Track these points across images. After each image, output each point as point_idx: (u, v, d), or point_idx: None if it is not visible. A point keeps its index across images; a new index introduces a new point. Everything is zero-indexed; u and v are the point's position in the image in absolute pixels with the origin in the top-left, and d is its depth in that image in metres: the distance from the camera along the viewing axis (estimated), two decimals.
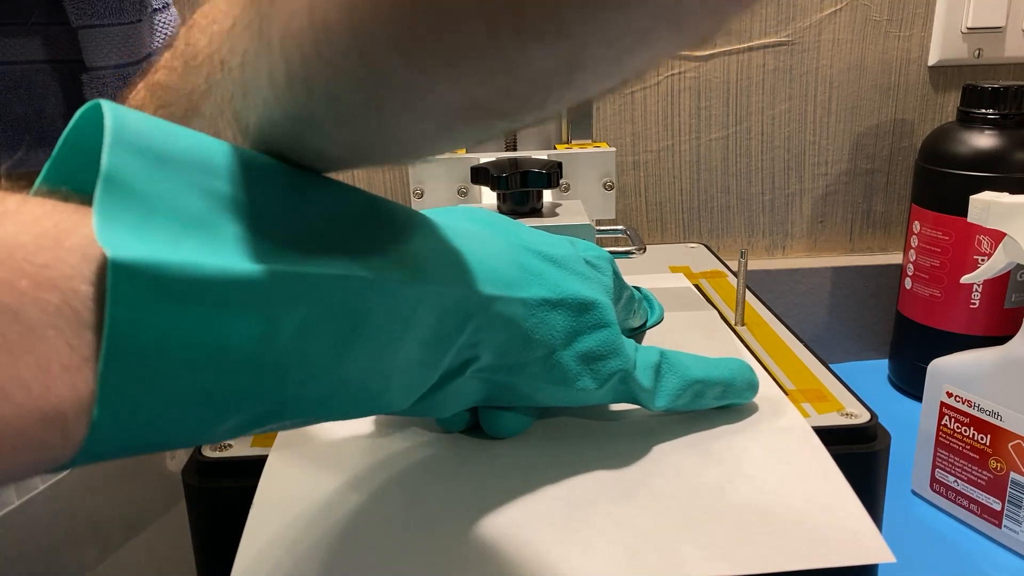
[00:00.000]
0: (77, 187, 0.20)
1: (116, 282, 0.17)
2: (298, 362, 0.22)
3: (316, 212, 0.23)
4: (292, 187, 0.23)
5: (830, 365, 0.43)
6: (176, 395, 0.19)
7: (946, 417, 0.53)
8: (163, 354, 0.18)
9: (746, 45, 0.76)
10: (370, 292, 0.23)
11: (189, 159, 0.21)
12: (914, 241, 0.68)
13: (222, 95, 0.25)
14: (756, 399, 0.37)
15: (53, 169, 0.21)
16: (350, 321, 0.23)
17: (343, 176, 0.26)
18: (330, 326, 0.22)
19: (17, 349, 0.16)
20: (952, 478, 0.53)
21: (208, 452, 0.35)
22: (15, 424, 0.16)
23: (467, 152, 0.56)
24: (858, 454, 0.36)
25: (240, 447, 0.35)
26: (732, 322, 0.50)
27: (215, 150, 0.21)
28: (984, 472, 0.51)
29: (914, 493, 0.57)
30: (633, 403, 0.34)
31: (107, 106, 0.19)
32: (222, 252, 0.19)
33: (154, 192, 0.19)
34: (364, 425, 0.36)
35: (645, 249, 0.53)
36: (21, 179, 0.20)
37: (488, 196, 0.53)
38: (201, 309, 0.19)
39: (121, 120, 0.19)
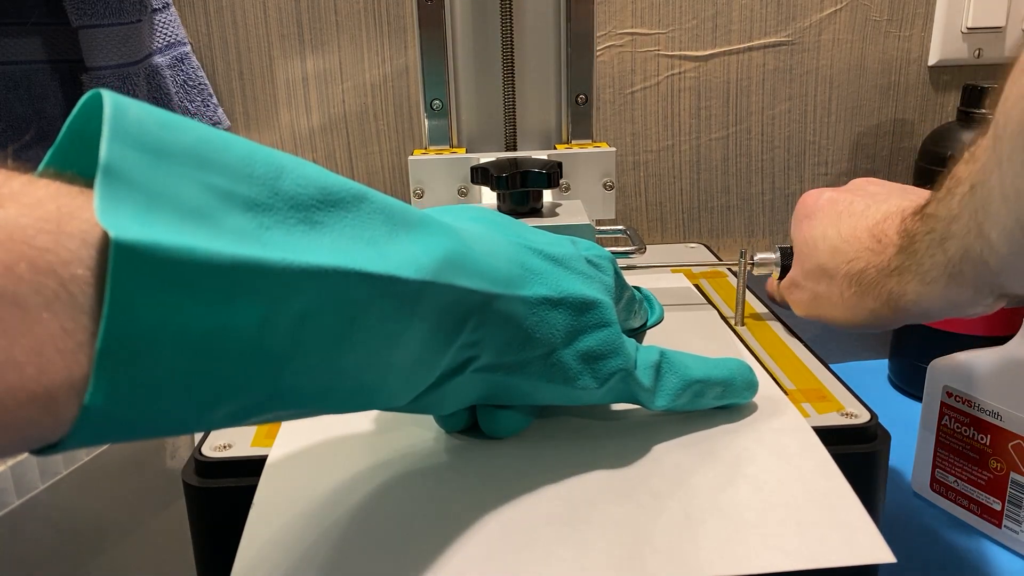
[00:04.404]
0: (81, 171, 0.20)
1: (118, 264, 0.17)
2: (295, 352, 0.22)
3: (317, 206, 0.23)
4: (293, 182, 0.23)
5: (830, 365, 0.43)
6: (171, 380, 0.19)
7: (946, 417, 0.53)
8: (160, 338, 0.18)
9: (746, 45, 0.76)
10: (370, 287, 0.23)
11: (189, 153, 0.21)
12: None
13: (968, 215, 0.31)
14: (756, 399, 0.37)
15: (58, 154, 0.21)
16: (349, 314, 0.23)
17: (346, 172, 0.26)
18: (329, 318, 0.22)
19: (12, 331, 0.16)
20: (952, 478, 0.53)
21: (208, 452, 0.35)
22: (6, 404, 0.17)
23: (467, 152, 0.56)
24: (858, 454, 0.36)
25: (240, 447, 0.35)
26: (732, 322, 0.50)
27: (215, 145, 0.22)
28: (984, 472, 0.51)
29: (914, 493, 0.57)
30: (633, 403, 0.34)
31: (107, 96, 0.19)
32: (223, 240, 0.20)
33: (154, 184, 0.19)
34: (364, 424, 0.36)
35: (645, 249, 0.53)
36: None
37: (488, 196, 0.53)
38: (201, 294, 0.19)
39: (121, 111, 0.19)
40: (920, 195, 0.41)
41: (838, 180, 0.79)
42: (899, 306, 0.38)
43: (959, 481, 0.53)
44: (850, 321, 0.42)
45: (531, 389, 0.32)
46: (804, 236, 0.45)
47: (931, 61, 0.77)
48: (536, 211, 0.50)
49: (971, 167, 0.31)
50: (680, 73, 0.76)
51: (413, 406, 0.29)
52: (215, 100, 0.72)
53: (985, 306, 0.36)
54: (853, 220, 0.42)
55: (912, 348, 0.70)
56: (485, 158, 0.52)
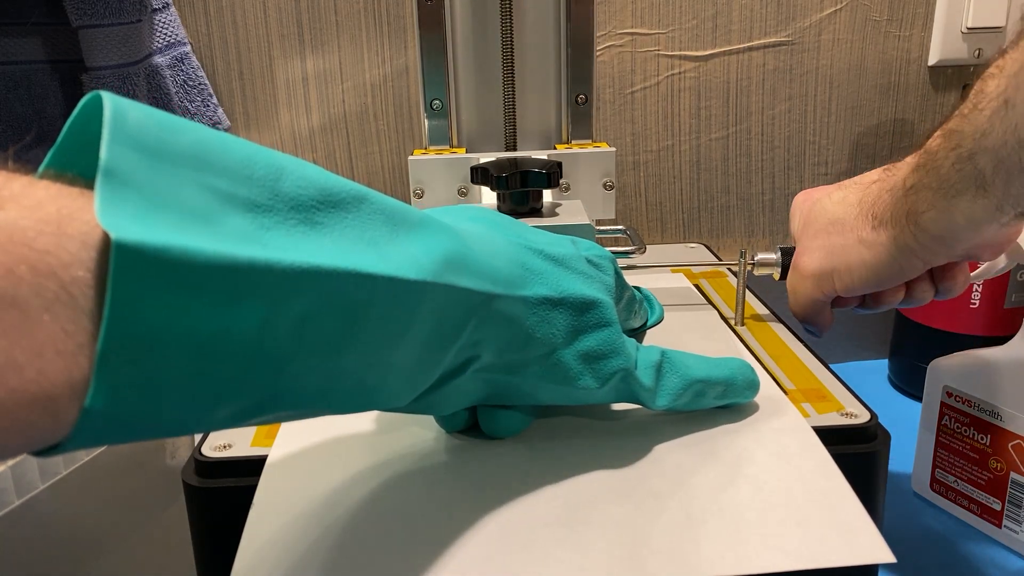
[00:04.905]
0: (82, 172, 0.20)
1: (119, 265, 0.17)
2: (296, 353, 0.22)
3: (317, 207, 0.23)
4: (293, 183, 0.23)
5: (830, 365, 0.43)
6: (171, 381, 0.19)
7: (946, 417, 0.53)
8: (161, 339, 0.18)
9: (746, 45, 0.76)
10: (371, 287, 0.23)
11: (189, 155, 0.21)
12: None
13: (1004, 129, 0.31)
14: (756, 399, 0.37)
15: (58, 155, 0.21)
16: (350, 315, 0.23)
17: (346, 172, 0.26)
18: (329, 319, 0.22)
19: (13, 333, 0.16)
20: (952, 478, 0.53)
21: (208, 452, 0.35)
22: (7, 406, 0.17)
23: (467, 152, 0.56)
24: (858, 454, 0.36)
25: (240, 447, 0.35)
26: (732, 322, 0.50)
27: (214, 147, 0.22)
28: (984, 472, 0.51)
29: (914, 493, 0.57)
30: (634, 402, 0.34)
31: (107, 98, 0.19)
32: (223, 241, 0.20)
33: (154, 185, 0.19)
34: (364, 425, 0.36)
35: (645, 249, 0.53)
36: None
37: (488, 196, 0.53)
38: (202, 296, 0.19)
39: (121, 113, 0.19)
40: None
41: (838, 180, 0.79)
42: (919, 226, 0.37)
43: (959, 481, 0.53)
44: (871, 266, 0.40)
45: (532, 389, 0.32)
46: (807, 215, 0.45)
47: (931, 61, 0.77)
48: (536, 211, 0.50)
49: (1000, 82, 0.32)
50: (680, 73, 0.76)
51: (414, 406, 0.29)
52: (215, 100, 0.72)
53: (1002, 224, 0.36)
54: (857, 179, 0.43)
55: (912, 348, 0.70)
56: (485, 158, 0.52)
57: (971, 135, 0.33)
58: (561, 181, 0.53)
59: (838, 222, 0.42)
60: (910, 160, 0.38)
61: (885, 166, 0.41)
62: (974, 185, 0.34)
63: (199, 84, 0.70)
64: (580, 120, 0.58)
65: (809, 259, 0.44)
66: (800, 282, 0.45)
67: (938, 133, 0.36)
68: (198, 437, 0.36)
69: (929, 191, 0.36)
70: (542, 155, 0.53)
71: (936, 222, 0.36)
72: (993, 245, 0.40)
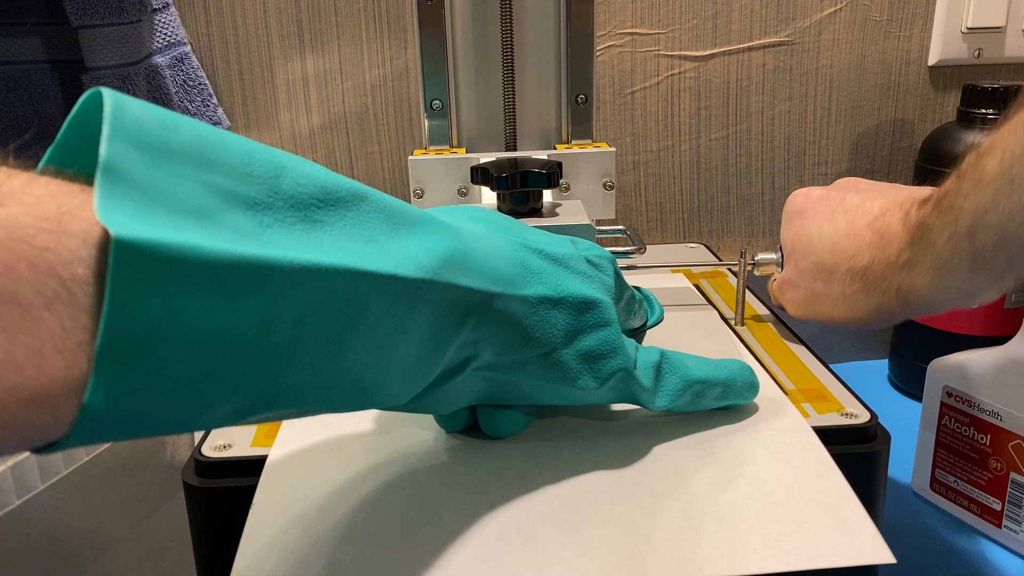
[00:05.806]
0: (82, 169, 0.20)
1: (118, 262, 0.17)
2: (295, 350, 0.22)
3: (317, 205, 0.23)
4: (293, 181, 0.23)
5: (830, 365, 0.43)
6: (170, 379, 0.19)
7: (946, 417, 0.53)
8: (160, 336, 0.18)
9: (746, 45, 0.76)
10: (369, 285, 0.23)
11: (189, 152, 0.21)
12: None
13: (1011, 207, 0.31)
14: (756, 399, 0.37)
15: (58, 152, 0.21)
16: (349, 313, 0.23)
17: (346, 172, 0.26)
18: (328, 317, 0.22)
19: (12, 331, 0.16)
20: (952, 478, 0.53)
21: (208, 452, 0.35)
22: (6, 403, 0.17)
23: (467, 152, 0.56)
24: (858, 454, 0.36)
25: (240, 447, 0.35)
26: (732, 322, 0.50)
27: (214, 144, 0.22)
28: (984, 472, 0.51)
29: (914, 493, 0.57)
30: (633, 403, 0.34)
31: (107, 94, 0.19)
32: (223, 239, 0.20)
33: (154, 182, 0.19)
34: (364, 424, 0.36)
35: (645, 249, 0.53)
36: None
37: (488, 196, 0.53)
38: (201, 293, 0.19)
39: (121, 109, 0.19)
40: (910, 189, 0.41)
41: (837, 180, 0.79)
42: (908, 300, 0.37)
43: (959, 481, 0.53)
44: (851, 318, 0.41)
45: (531, 389, 0.32)
46: (797, 234, 0.45)
47: (931, 61, 0.77)
48: (536, 211, 0.50)
49: (1000, 160, 0.31)
50: (680, 73, 0.76)
51: (413, 405, 0.29)
52: (215, 100, 0.72)
53: (995, 292, 0.35)
54: (849, 216, 0.41)
55: (912, 348, 0.70)
56: (485, 158, 0.52)
57: (971, 211, 0.33)
58: (561, 181, 0.53)
59: (826, 270, 0.42)
60: (900, 232, 0.37)
61: (875, 224, 0.40)
62: (971, 261, 0.34)
63: (199, 84, 0.70)
64: (580, 120, 0.58)
65: (795, 296, 0.45)
66: (785, 301, 0.46)
67: (934, 209, 0.35)
68: (198, 437, 0.36)
69: (923, 267, 0.36)
70: (542, 155, 0.53)
71: (926, 296, 0.36)
72: (982, 304, 0.40)
